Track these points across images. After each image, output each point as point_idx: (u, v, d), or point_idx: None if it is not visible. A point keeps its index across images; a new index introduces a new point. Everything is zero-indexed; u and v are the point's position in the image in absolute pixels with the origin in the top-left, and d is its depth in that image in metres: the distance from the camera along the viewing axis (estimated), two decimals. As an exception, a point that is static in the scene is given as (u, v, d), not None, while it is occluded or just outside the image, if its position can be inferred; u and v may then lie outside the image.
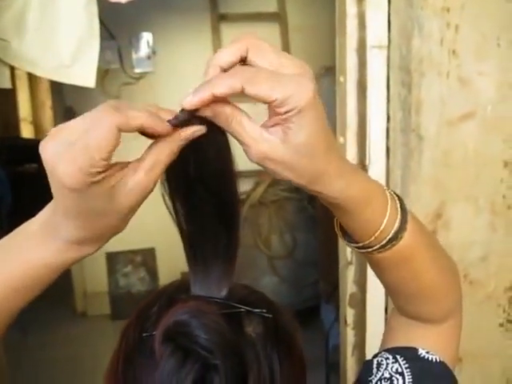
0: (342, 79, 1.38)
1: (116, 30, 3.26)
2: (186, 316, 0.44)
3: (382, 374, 0.64)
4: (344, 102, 1.38)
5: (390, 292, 0.67)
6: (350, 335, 1.52)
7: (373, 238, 0.54)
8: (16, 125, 6.85)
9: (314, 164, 0.47)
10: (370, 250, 0.55)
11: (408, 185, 1.35)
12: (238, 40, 0.47)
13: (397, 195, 0.56)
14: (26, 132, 7.06)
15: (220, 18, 3.58)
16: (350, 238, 0.58)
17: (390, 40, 1.32)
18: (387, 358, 0.65)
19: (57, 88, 3.54)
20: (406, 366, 0.63)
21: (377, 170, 1.37)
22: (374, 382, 0.64)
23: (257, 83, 0.44)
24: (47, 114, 6.85)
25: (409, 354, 0.64)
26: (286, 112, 0.44)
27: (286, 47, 3.65)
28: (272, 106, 0.45)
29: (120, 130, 0.42)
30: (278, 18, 3.64)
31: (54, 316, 3.38)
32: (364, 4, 1.31)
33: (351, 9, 1.34)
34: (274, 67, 0.46)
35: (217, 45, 3.58)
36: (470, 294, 1.40)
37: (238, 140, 0.47)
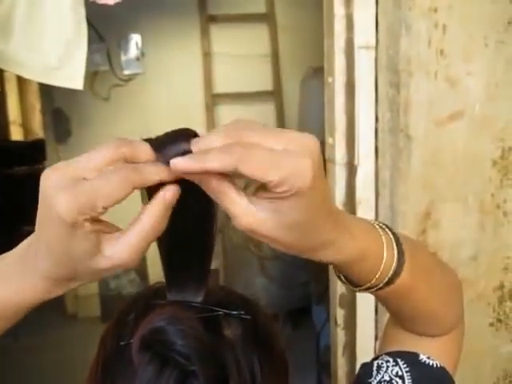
0: (330, 80, 1.38)
1: (105, 31, 3.26)
2: (163, 323, 0.43)
3: (382, 377, 0.63)
4: (332, 102, 1.38)
5: (392, 315, 0.67)
6: (340, 335, 1.53)
7: (368, 284, 0.54)
8: (5, 127, 6.82)
9: (303, 241, 0.45)
10: (367, 291, 0.56)
11: (397, 185, 1.36)
12: (227, 126, 0.44)
13: (393, 234, 0.56)
14: (16, 135, 7.03)
15: (209, 19, 3.58)
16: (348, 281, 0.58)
17: (378, 40, 1.32)
18: (388, 361, 0.65)
19: (46, 90, 3.53)
20: (407, 369, 0.63)
21: (366, 170, 1.37)
22: None
23: (251, 163, 0.40)
24: (36, 116, 6.83)
25: (410, 358, 0.64)
26: (282, 192, 0.41)
27: (274, 48, 3.65)
28: (268, 186, 0.42)
29: (134, 188, 0.42)
30: (267, 18, 3.64)
31: (45, 318, 3.35)
32: (352, 5, 1.31)
33: (339, 10, 1.34)
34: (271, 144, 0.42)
35: (206, 46, 3.58)
36: (460, 293, 1.40)
37: (223, 208, 0.44)
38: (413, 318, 0.63)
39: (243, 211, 0.43)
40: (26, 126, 7.20)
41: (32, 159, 5.14)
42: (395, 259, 0.54)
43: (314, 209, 0.43)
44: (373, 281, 0.54)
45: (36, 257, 0.46)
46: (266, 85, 3.68)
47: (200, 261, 0.50)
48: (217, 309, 0.49)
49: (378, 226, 0.55)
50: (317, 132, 2.69)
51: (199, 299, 0.50)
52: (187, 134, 0.44)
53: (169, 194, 0.43)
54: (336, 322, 1.53)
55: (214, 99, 3.60)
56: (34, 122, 7.06)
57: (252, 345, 0.50)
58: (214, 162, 0.40)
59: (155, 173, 0.43)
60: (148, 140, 0.45)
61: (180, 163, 0.41)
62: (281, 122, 3.69)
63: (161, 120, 3.56)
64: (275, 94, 3.68)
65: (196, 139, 0.43)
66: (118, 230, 0.45)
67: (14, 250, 0.49)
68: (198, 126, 3.17)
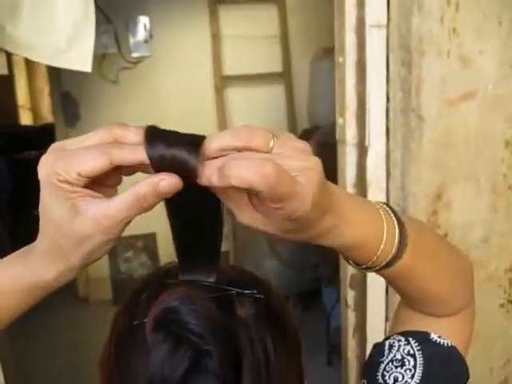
0: (340, 60, 1.37)
1: (112, 13, 3.23)
2: (176, 302, 0.43)
3: (394, 356, 0.64)
4: (343, 82, 1.36)
5: (401, 297, 0.68)
6: (350, 317, 1.53)
7: (365, 265, 0.55)
8: (14, 112, 6.84)
9: (301, 236, 0.48)
10: (368, 271, 0.57)
11: (408, 165, 1.35)
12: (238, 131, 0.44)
13: (397, 217, 0.56)
14: (25, 119, 7.04)
15: (217, 1, 3.55)
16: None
17: (390, 19, 1.30)
18: (399, 340, 0.65)
19: (54, 74, 3.52)
20: (418, 348, 0.64)
21: (377, 150, 1.36)
22: (385, 363, 0.65)
23: (276, 188, 0.41)
24: (45, 100, 6.84)
25: (421, 337, 0.65)
26: (281, 215, 0.44)
27: (283, 29, 3.62)
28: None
29: (111, 165, 0.44)
30: (276, -1, 3.61)
31: (56, 302, 3.38)
32: (362, -17, 1.29)
33: (350, -12, 1.32)
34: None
35: (214, 27, 3.55)
36: (471, 274, 1.40)
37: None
38: (420, 299, 0.64)
39: (244, 213, 0.46)
40: (34, 110, 7.22)
41: (41, 144, 5.15)
42: (396, 243, 0.54)
43: (312, 216, 0.45)
44: (369, 263, 0.55)
45: (33, 245, 0.48)
46: (276, 66, 3.65)
47: (211, 241, 0.50)
48: (230, 288, 0.49)
49: (381, 210, 0.55)
50: (326, 113, 2.65)
51: (211, 279, 0.50)
52: (188, 145, 0.43)
53: (163, 184, 0.43)
54: (346, 304, 1.52)
55: (223, 81, 3.58)
56: (43, 106, 7.07)
57: (265, 324, 0.49)
58: (244, 183, 0.40)
59: (137, 152, 0.43)
60: (151, 128, 0.44)
61: (215, 179, 0.42)
62: (290, 104, 3.68)
63: (170, 103, 3.55)
64: (285, 76, 3.65)
65: (209, 143, 0.43)
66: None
67: None
68: (208, 108, 3.17)
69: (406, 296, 0.66)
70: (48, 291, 0.51)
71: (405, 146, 1.34)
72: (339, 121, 1.40)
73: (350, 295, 1.51)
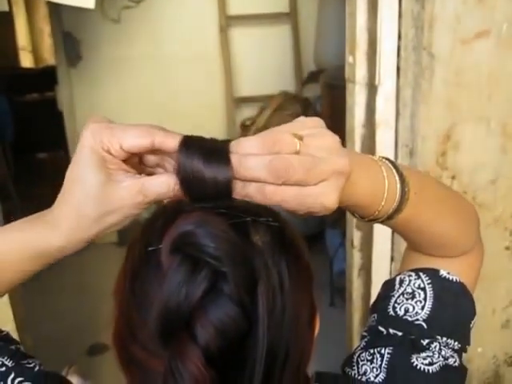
0: (352, -5, 1.33)
1: (113, -51, 3.14)
2: (192, 226, 0.43)
3: (405, 289, 0.66)
4: (354, 19, 1.32)
5: (406, 242, 0.70)
6: (356, 257, 1.54)
7: (372, 217, 0.57)
8: (15, 54, 6.73)
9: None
10: (372, 222, 0.59)
11: (418, 104, 1.32)
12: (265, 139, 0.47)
13: (398, 172, 0.57)
14: (25, 61, 6.94)
15: None
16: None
17: (404, -48, 1.26)
18: (410, 275, 0.67)
19: (55, 13, 3.44)
20: (429, 282, 0.66)
21: (387, 89, 1.33)
22: (395, 296, 0.66)
23: (286, 204, 0.47)
24: (45, 41, 6.71)
25: (431, 272, 0.66)
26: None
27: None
28: None
29: (152, 147, 0.49)
30: None
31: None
32: None
33: None
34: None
35: (219, -35, 3.44)
36: (478, 216, 1.40)
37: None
38: (425, 244, 0.66)
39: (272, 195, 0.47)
40: (35, 51, 7.10)
41: (43, 86, 5.11)
42: (397, 198, 0.56)
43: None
44: (371, 217, 0.57)
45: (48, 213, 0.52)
46: (282, 6, 3.56)
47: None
48: (245, 215, 0.48)
49: (383, 166, 0.56)
50: (333, 55, 2.59)
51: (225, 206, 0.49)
52: (218, 162, 0.46)
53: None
54: (352, 244, 1.53)
55: (228, 21, 3.50)
56: (44, 47, 6.95)
57: (280, 251, 0.49)
58: (264, 199, 0.46)
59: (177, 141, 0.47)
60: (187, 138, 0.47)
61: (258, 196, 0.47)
62: (296, 46, 3.60)
63: (173, 42, 3.48)
64: (291, 16, 3.57)
65: (237, 151, 0.46)
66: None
67: None
68: (212, 48, 3.10)
69: (411, 241, 0.68)
70: (51, 261, 0.56)
71: (415, 85, 1.32)
72: (349, 59, 1.37)
73: (357, 236, 1.52)
